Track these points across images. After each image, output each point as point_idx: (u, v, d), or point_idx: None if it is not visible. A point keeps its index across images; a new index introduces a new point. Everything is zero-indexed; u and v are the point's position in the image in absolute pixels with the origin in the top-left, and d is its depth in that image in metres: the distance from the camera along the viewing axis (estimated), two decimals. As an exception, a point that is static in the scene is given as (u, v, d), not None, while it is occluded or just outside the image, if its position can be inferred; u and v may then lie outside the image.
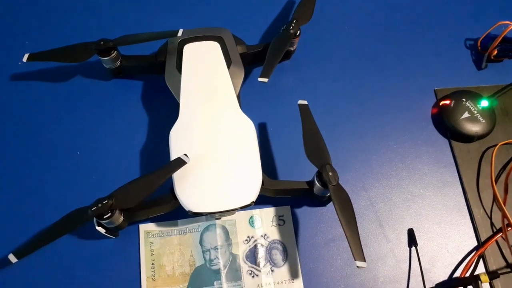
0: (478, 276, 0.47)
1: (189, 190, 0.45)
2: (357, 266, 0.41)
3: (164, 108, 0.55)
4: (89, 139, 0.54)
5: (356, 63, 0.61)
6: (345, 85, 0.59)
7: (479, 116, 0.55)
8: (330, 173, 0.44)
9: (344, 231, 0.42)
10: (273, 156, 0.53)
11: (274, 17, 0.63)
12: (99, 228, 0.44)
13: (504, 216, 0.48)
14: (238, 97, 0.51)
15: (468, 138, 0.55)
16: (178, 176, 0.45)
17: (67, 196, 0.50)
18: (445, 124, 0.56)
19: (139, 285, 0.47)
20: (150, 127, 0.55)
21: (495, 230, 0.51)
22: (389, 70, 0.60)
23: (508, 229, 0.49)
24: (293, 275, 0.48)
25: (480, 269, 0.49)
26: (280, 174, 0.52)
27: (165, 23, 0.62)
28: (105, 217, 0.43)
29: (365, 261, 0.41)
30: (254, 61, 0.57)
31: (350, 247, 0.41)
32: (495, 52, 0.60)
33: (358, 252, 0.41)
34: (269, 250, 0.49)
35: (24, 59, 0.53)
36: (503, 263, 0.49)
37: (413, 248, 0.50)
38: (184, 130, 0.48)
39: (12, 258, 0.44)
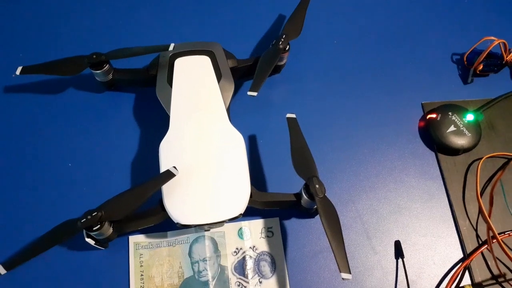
0: (463, 288, 0.47)
1: (178, 202, 0.45)
2: (342, 278, 0.41)
3: (154, 121, 0.56)
4: (81, 151, 0.54)
5: (345, 77, 0.62)
6: (334, 99, 0.60)
7: (464, 130, 0.56)
8: (317, 186, 0.45)
9: (329, 243, 0.42)
10: (262, 169, 0.54)
11: (265, 32, 0.65)
12: (88, 240, 0.45)
13: (489, 228, 0.49)
14: (228, 110, 0.52)
15: (454, 151, 0.56)
16: (167, 188, 0.46)
17: (57, 207, 0.51)
18: (432, 137, 0.57)
19: (128, 296, 0.47)
20: (140, 140, 0.55)
21: (480, 242, 0.51)
22: (377, 84, 0.61)
23: (493, 241, 0.49)
24: (281, 286, 0.48)
25: (466, 280, 0.49)
26: (269, 187, 0.53)
27: (157, 38, 0.63)
28: (94, 229, 0.43)
29: (350, 273, 0.41)
30: (245, 75, 0.58)
31: (336, 259, 0.42)
32: (481, 66, 0.61)
33: (343, 264, 0.42)
34: (257, 262, 0.50)
35: (18, 72, 0.54)
36: (489, 275, 0.49)
37: (400, 260, 0.50)
38: (173, 143, 0.49)
39: (1, 269, 0.44)
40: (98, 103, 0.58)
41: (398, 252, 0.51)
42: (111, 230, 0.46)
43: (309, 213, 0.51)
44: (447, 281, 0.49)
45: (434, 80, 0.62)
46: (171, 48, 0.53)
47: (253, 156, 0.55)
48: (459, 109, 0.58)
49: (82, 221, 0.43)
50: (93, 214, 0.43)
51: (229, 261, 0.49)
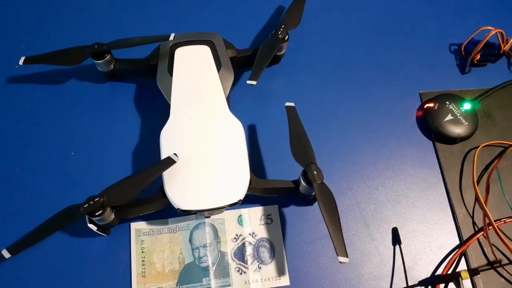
0: (459, 273, 0.48)
1: (178, 188, 0.46)
2: (340, 262, 0.42)
3: (155, 110, 0.56)
4: (83, 139, 0.55)
5: (343, 67, 0.62)
6: (332, 89, 0.60)
7: (462, 119, 0.57)
8: (315, 172, 0.46)
9: (327, 227, 0.43)
10: (261, 156, 0.55)
11: (264, 23, 0.65)
12: (90, 226, 0.46)
13: (485, 215, 0.50)
14: (228, 99, 0.53)
15: (451, 140, 0.57)
16: (168, 175, 0.46)
17: (61, 194, 0.52)
18: (429, 126, 0.57)
19: (130, 281, 0.48)
20: (142, 128, 0.56)
21: (476, 229, 0.52)
22: (375, 74, 0.62)
23: (489, 228, 0.50)
24: (280, 272, 0.49)
25: (462, 266, 0.50)
26: (268, 174, 0.54)
27: (158, 28, 0.63)
28: (96, 214, 0.44)
29: (347, 257, 0.42)
30: (244, 64, 0.59)
31: (333, 243, 0.43)
32: (478, 56, 0.61)
33: (341, 248, 0.42)
34: (256, 248, 0.51)
35: (21, 62, 0.55)
36: (484, 261, 0.50)
37: (397, 247, 0.51)
38: (174, 131, 0.49)
39: (6, 253, 0.45)
40: (100, 93, 0.59)
41: (396, 238, 0.52)
42: (113, 216, 0.46)
43: (307, 200, 0.52)
44: (444, 267, 0.50)
45: (432, 70, 0.63)
46: (171, 38, 0.53)
47: (252, 144, 0.56)
48: (457, 98, 0.58)
49: (84, 206, 0.43)
50: (95, 200, 0.44)
51: (229, 247, 0.50)
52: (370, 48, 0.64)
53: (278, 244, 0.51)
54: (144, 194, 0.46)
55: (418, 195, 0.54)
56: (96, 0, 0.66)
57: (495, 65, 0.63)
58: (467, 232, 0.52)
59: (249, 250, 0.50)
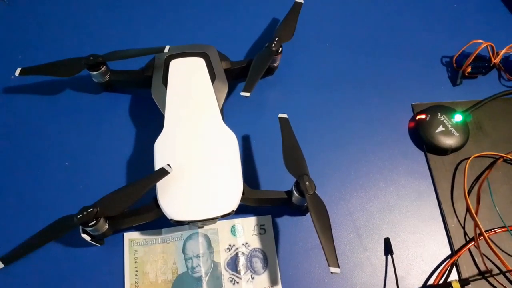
0: (450, 283, 0.48)
1: (172, 199, 0.46)
2: (331, 272, 0.42)
3: (150, 121, 0.57)
4: (78, 150, 0.56)
5: (336, 79, 0.63)
6: (326, 100, 0.61)
7: (453, 130, 0.57)
8: (307, 183, 0.46)
9: (319, 238, 0.44)
10: (255, 167, 0.55)
11: (258, 35, 0.66)
12: (84, 236, 0.46)
13: (476, 225, 0.50)
14: (222, 110, 0.53)
15: (443, 151, 0.57)
16: (161, 186, 0.47)
17: (55, 204, 0.52)
18: (421, 137, 0.58)
19: (123, 291, 0.48)
20: (136, 139, 0.57)
21: (468, 239, 0.53)
22: (368, 86, 0.63)
23: (480, 238, 0.51)
24: (273, 282, 0.50)
25: (453, 276, 0.50)
26: (261, 185, 0.54)
27: (153, 40, 0.64)
28: (90, 224, 0.44)
29: (339, 267, 0.43)
30: (238, 76, 0.59)
31: (325, 254, 0.43)
32: (469, 69, 0.62)
33: (332, 259, 0.43)
34: (250, 258, 0.51)
35: (17, 73, 0.55)
36: (475, 271, 0.51)
37: (389, 257, 0.51)
38: (168, 141, 0.50)
39: (-1, 264, 0.45)
40: (95, 103, 0.59)
41: (388, 249, 0.52)
42: (106, 226, 0.47)
43: (300, 211, 0.52)
44: (435, 277, 0.50)
45: (424, 82, 0.64)
46: (166, 50, 0.54)
47: (246, 155, 0.56)
48: (448, 110, 0.59)
49: (78, 217, 0.44)
50: (89, 210, 0.44)
51: (222, 258, 0.50)
52: (363, 60, 0.65)
53: (271, 254, 0.51)
54: (137, 204, 0.46)
55: (410, 206, 0.55)
56: (93, 13, 0.67)
57: (486, 77, 0.64)
58: (458, 242, 0.52)
59: (242, 260, 0.50)
